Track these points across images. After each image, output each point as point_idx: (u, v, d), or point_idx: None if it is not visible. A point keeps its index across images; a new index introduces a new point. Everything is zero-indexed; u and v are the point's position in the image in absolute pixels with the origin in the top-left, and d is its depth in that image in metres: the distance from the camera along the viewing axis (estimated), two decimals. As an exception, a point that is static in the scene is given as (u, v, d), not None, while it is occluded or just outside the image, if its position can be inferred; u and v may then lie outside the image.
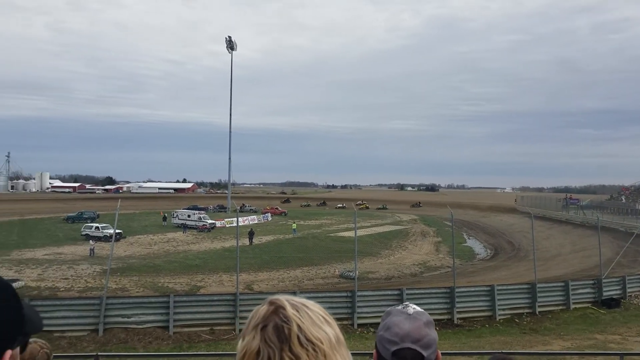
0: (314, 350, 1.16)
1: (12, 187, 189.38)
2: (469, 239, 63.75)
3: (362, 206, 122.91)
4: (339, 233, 60.06)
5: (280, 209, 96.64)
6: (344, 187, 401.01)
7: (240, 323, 19.11)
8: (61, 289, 28.91)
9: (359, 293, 20.95)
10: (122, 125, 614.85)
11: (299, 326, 1.17)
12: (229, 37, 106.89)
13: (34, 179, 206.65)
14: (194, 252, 44.31)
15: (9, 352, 1.01)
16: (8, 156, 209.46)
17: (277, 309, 1.21)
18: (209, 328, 19.05)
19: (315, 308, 1.24)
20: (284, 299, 1.25)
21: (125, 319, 18.45)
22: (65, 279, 31.92)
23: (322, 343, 1.18)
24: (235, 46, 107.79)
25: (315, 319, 1.21)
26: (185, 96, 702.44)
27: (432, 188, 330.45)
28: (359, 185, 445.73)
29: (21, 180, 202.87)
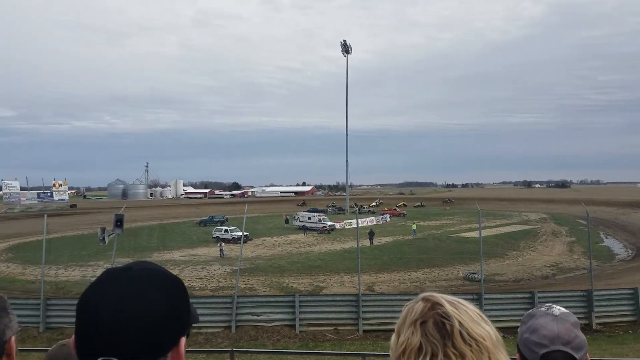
0: (478, 347, 1.14)
1: (151, 194, 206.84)
2: (606, 238, 58.65)
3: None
4: (462, 234, 58.22)
5: (398, 209, 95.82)
6: (464, 185, 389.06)
7: (363, 324, 19.23)
8: (196, 288, 31.00)
9: (486, 296, 20.13)
10: (245, 133, 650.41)
11: (460, 323, 1.16)
12: (344, 40, 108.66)
13: (170, 186, 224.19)
14: (315, 253, 45.33)
15: (183, 339, 1.10)
16: (147, 166, 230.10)
17: (434, 306, 1.20)
18: (333, 327, 19.36)
19: (471, 306, 1.23)
20: (439, 295, 1.24)
21: (255, 317, 19.35)
22: (200, 278, 34.18)
23: (484, 340, 1.16)
24: (350, 49, 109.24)
25: (474, 317, 1.19)
26: (303, 102, 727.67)
27: (562, 184, 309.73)
28: (481, 184, 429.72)
29: (158, 188, 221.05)
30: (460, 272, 35.23)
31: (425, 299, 1.24)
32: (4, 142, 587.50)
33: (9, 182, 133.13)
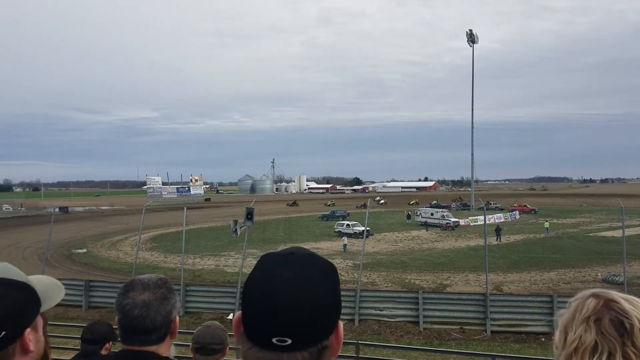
0: None
1: (277, 189, 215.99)
2: None
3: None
4: (600, 233, 53.67)
5: (529, 206, 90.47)
6: (604, 181, 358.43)
7: (491, 324, 18.48)
8: (320, 281, 31.71)
9: (630, 301, 18.36)
10: (367, 128, 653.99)
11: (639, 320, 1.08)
12: (470, 30, 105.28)
13: (294, 181, 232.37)
14: (439, 250, 44.36)
15: (341, 323, 1.12)
16: (273, 162, 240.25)
17: (607, 302, 1.13)
18: (458, 327, 18.84)
19: None
20: (611, 292, 1.16)
21: (378, 312, 19.40)
22: (323, 271, 34.92)
23: None
24: (476, 39, 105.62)
25: None
26: (426, 95, 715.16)
27: None
28: (623, 179, 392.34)
29: (283, 183, 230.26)
30: (599, 274, 32.50)
31: (595, 295, 1.16)
32: (148, 140, 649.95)
33: (152, 177, 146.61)
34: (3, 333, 1.25)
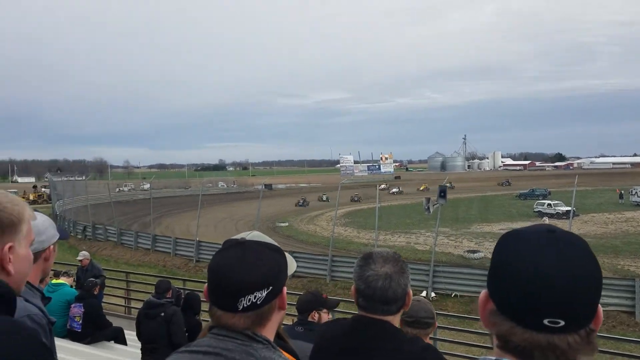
0: None
1: (469, 167, 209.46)
2: None
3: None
4: None
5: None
6: None
7: None
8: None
9: None
10: (570, 99, 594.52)
11: None
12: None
13: (487, 158, 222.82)
14: (660, 234, 38.87)
15: (600, 306, 1.06)
16: (464, 138, 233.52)
17: None
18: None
19: None
20: None
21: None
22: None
23: None
24: None
25: None
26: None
27: None
28: None
29: (476, 160, 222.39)
30: None
31: None
32: (341, 121, 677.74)
33: (345, 156, 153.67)
34: (270, 288, 1.41)
